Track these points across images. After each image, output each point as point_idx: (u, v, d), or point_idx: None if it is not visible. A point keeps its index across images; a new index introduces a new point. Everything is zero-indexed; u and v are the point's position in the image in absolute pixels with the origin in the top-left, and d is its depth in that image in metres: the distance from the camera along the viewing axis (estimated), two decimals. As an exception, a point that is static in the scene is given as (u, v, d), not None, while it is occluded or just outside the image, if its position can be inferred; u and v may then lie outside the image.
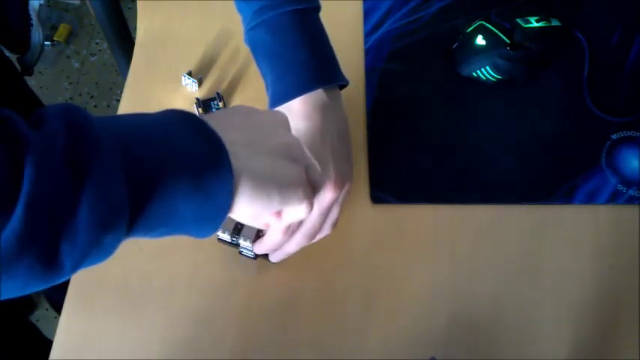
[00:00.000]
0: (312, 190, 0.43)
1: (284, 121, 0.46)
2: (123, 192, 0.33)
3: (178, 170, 0.35)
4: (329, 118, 0.53)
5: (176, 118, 0.37)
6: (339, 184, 0.52)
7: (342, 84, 0.56)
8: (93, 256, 0.33)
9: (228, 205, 0.38)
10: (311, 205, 0.43)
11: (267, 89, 0.56)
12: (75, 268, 0.33)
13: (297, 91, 0.53)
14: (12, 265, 0.30)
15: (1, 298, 0.31)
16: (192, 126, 0.37)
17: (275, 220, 0.45)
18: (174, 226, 0.37)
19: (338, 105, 0.55)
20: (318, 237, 0.53)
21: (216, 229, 0.38)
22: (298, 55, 0.54)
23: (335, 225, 0.54)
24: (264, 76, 0.56)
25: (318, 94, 0.53)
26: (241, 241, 0.56)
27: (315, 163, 0.45)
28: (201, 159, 0.36)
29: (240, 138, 0.40)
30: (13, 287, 0.31)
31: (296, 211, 0.43)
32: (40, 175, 0.30)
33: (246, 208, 0.39)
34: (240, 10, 0.57)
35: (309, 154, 0.45)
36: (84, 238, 0.32)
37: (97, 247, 0.33)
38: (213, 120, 0.39)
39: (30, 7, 0.83)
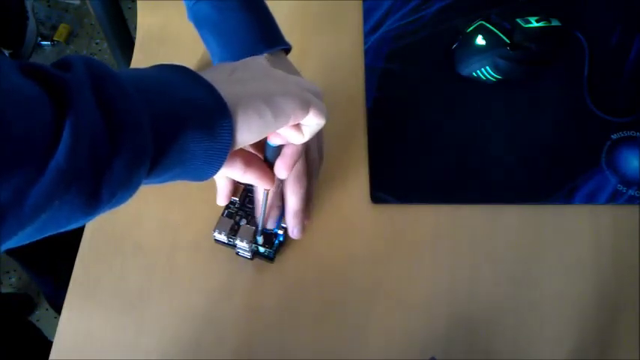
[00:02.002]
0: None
1: (263, 58, 0.48)
2: (149, 135, 0.36)
3: (187, 117, 0.38)
4: None
5: (171, 70, 0.40)
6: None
7: (286, 48, 0.59)
8: (122, 194, 0.36)
9: (230, 141, 0.40)
10: (321, 111, 0.45)
11: (214, 60, 0.58)
12: (109, 203, 0.35)
13: (246, 54, 0.54)
14: (62, 195, 0.32)
15: (48, 233, 0.34)
16: (187, 76, 0.40)
17: (296, 134, 0.46)
18: (185, 167, 0.40)
19: (288, 63, 0.58)
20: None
21: (220, 167, 0.41)
22: (244, 22, 0.56)
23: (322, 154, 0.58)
24: (209, 47, 0.58)
25: (270, 56, 0.56)
26: (237, 242, 0.56)
27: (302, 78, 0.47)
28: (203, 105, 0.39)
29: (222, 77, 0.43)
30: (59, 221, 0.33)
31: (310, 119, 0.44)
32: (82, 113, 0.32)
33: (247, 135, 0.42)
34: None
35: (294, 76, 0.47)
36: (119, 176, 0.34)
37: (127, 185, 0.36)
38: (212, 70, 0.42)
39: (26, 2, 0.83)
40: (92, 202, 0.34)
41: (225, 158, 0.41)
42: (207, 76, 0.41)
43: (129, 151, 0.34)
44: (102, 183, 0.34)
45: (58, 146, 0.31)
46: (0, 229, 0.30)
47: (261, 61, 0.47)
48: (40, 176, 0.31)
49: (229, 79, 0.43)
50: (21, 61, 0.33)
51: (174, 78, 0.40)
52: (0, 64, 0.31)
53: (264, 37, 0.57)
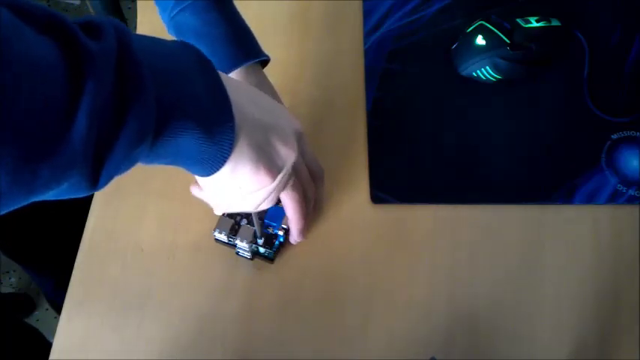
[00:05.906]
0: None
1: (298, 130, 0.48)
2: (152, 124, 0.35)
3: (191, 116, 0.37)
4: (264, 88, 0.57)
5: (193, 61, 0.39)
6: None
7: (265, 59, 0.59)
8: (117, 176, 0.36)
9: (225, 161, 0.41)
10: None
11: None
12: (106, 183, 0.35)
13: (233, 65, 0.55)
14: (70, 177, 0.32)
15: (56, 198, 0.34)
16: (206, 76, 0.39)
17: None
18: (178, 161, 0.40)
19: (263, 76, 0.59)
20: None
21: (211, 174, 0.42)
22: (225, 32, 0.56)
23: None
24: None
25: (250, 67, 0.57)
26: (238, 242, 0.56)
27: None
28: (212, 116, 0.39)
29: (252, 111, 0.43)
30: (62, 195, 0.34)
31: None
32: (98, 91, 0.31)
33: (229, 175, 0.42)
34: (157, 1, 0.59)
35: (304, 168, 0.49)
36: (117, 161, 0.34)
37: (123, 169, 0.36)
38: (232, 82, 0.42)
39: None
40: (92, 185, 0.34)
41: (218, 170, 0.41)
42: (230, 82, 0.41)
43: (133, 136, 0.34)
44: (102, 168, 0.33)
45: (73, 126, 0.30)
46: (6, 202, 0.30)
47: (296, 127, 0.48)
48: (54, 155, 0.30)
49: (252, 117, 0.43)
50: (50, 10, 0.31)
51: (193, 68, 0.38)
52: (15, 23, 0.28)
53: (246, 48, 0.57)
